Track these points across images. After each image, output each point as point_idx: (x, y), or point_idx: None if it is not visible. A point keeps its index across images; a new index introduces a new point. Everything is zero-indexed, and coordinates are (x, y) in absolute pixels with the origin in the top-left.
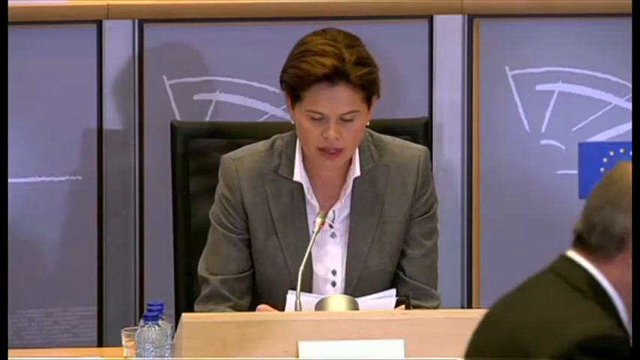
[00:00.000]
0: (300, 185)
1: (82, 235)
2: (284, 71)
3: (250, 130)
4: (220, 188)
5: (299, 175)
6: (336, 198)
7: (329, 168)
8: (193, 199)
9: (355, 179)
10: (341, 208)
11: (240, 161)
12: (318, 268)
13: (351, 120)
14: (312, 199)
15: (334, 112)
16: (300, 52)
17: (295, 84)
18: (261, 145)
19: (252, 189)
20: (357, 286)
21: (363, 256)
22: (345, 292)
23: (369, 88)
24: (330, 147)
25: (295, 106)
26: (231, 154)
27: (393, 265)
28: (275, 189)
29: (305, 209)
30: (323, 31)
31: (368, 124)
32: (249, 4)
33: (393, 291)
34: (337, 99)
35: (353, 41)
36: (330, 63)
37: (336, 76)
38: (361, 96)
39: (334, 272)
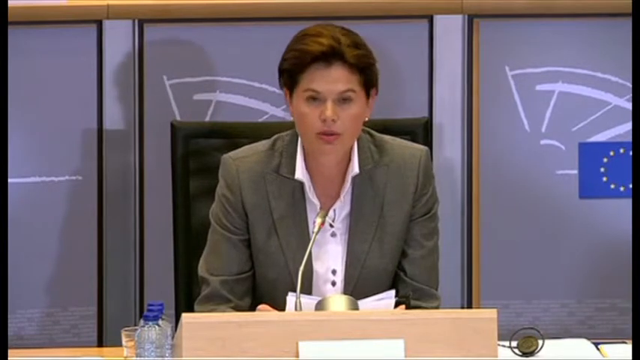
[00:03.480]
0: (301, 185)
1: (82, 235)
2: (283, 60)
3: (250, 130)
4: (221, 188)
5: (300, 172)
6: (337, 197)
7: (327, 153)
8: (193, 199)
9: (355, 179)
10: (341, 208)
11: (240, 161)
12: (318, 268)
13: (348, 100)
14: (312, 198)
15: (331, 91)
16: (298, 38)
17: (293, 67)
18: (261, 145)
19: (253, 189)
20: (356, 286)
21: (362, 255)
22: (345, 292)
23: (365, 72)
24: (328, 130)
25: (293, 95)
26: (231, 153)
27: (393, 265)
28: (275, 189)
29: (305, 209)
30: (320, 25)
31: (367, 119)
32: (249, 4)
33: (392, 292)
34: (333, 77)
35: (349, 31)
36: (326, 42)
37: (332, 55)
38: (357, 78)
39: (334, 272)
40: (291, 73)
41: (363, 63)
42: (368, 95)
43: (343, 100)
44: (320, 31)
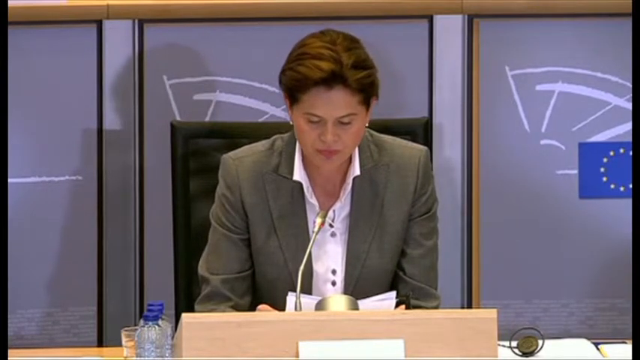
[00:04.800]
0: (300, 185)
1: (82, 235)
2: (282, 73)
3: (250, 130)
4: (220, 188)
5: (298, 174)
6: (336, 197)
7: (326, 168)
8: (193, 199)
9: (355, 178)
10: (341, 208)
11: (240, 161)
12: (318, 268)
13: (348, 123)
14: (311, 199)
15: (331, 115)
16: (298, 55)
17: (293, 87)
18: (261, 145)
19: (253, 189)
20: (356, 286)
21: (362, 255)
22: (345, 292)
23: (367, 91)
24: (328, 148)
25: (293, 108)
26: (231, 153)
27: (392, 265)
28: (275, 188)
29: (305, 209)
30: (322, 33)
31: (367, 125)
32: (249, 4)
33: (394, 293)
34: (334, 102)
35: (352, 43)
36: (327, 67)
37: (333, 80)
38: (359, 99)
39: (334, 272)
40: (291, 90)
41: (365, 84)
42: (369, 106)
43: (343, 122)
44: (320, 52)
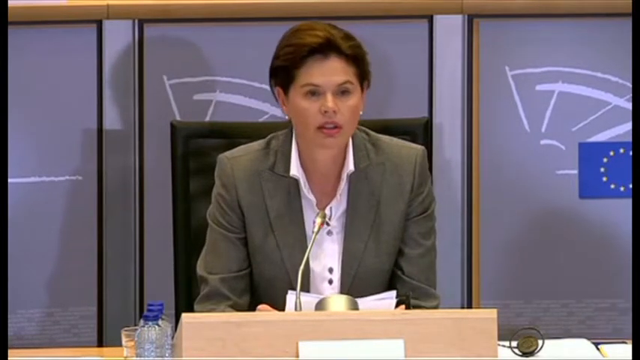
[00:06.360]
0: (297, 182)
1: (82, 235)
2: (275, 59)
3: (250, 130)
4: (217, 188)
5: (295, 169)
6: (332, 195)
7: (328, 146)
8: (193, 199)
9: (352, 177)
10: (337, 206)
11: (235, 160)
12: (315, 266)
13: (346, 92)
14: (308, 194)
15: (330, 83)
16: (290, 34)
17: (289, 62)
18: (256, 145)
19: (249, 188)
20: (353, 284)
21: (359, 254)
22: (342, 290)
23: (360, 64)
24: (330, 121)
25: (290, 92)
26: (227, 153)
27: (389, 264)
28: (271, 187)
29: (301, 206)
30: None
31: (361, 112)
32: (249, 4)
33: (393, 292)
34: (331, 69)
35: (337, 27)
36: (322, 34)
37: (327, 47)
38: (353, 70)
39: (331, 270)
40: (286, 70)
41: (358, 54)
42: (362, 88)
43: (342, 92)
44: (312, 25)
